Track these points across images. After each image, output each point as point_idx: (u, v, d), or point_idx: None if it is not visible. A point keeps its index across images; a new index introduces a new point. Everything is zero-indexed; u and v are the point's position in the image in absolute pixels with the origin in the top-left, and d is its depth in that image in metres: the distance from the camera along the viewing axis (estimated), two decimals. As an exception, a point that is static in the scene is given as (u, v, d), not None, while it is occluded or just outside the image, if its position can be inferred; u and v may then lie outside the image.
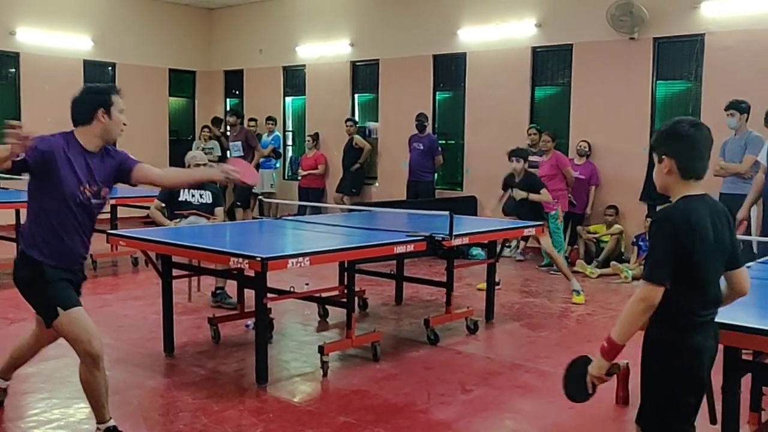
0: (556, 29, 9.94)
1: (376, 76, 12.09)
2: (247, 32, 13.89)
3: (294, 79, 13.46)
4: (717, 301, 2.63)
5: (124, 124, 3.83)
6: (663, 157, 2.63)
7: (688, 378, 2.59)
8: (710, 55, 8.69)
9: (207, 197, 6.97)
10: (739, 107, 7.17)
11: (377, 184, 12.08)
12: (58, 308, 3.51)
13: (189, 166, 6.98)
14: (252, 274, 4.66)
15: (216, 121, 13.51)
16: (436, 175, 10.99)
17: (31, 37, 12.06)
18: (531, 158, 9.43)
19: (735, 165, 7.18)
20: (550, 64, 10.28)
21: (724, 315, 2.81)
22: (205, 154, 12.54)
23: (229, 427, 4.02)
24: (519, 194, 7.35)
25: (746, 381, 3.17)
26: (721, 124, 7.37)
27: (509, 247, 9.55)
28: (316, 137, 12.47)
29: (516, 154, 7.44)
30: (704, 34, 8.72)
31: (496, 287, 7.28)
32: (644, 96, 9.20)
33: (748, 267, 4.06)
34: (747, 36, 8.39)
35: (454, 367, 5.21)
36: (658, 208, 9.02)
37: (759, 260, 4.65)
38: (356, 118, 12.25)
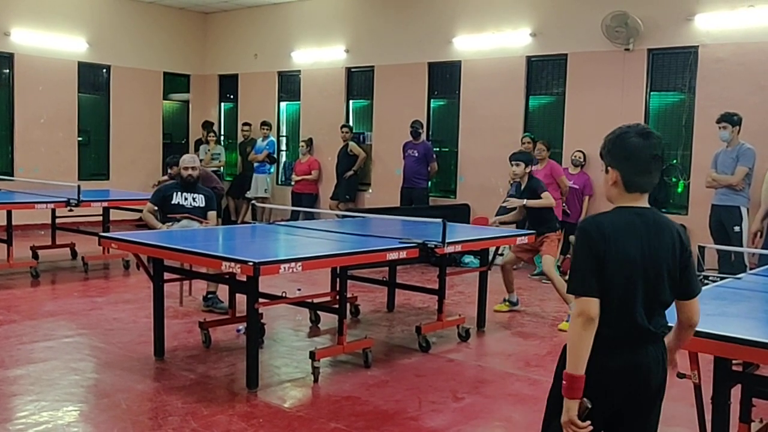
0: (551, 39, 9.98)
1: (371, 83, 12.11)
2: (242, 37, 13.89)
3: (289, 85, 13.47)
4: (636, 325, 2.37)
5: None
6: (608, 168, 2.49)
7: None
8: (704, 67, 8.74)
9: (200, 201, 6.96)
10: (731, 120, 7.21)
11: (371, 191, 12.09)
12: None
13: (182, 170, 6.96)
14: (244, 278, 4.65)
15: (206, 125, 13.52)
16: (430, 182, 11.00)
17: (26, 38, 12.03)
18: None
19: (727, 177, 7.22)
20: (544, 73, 10.31)
21: (716, 326, 2.82)
22: (212, 159, 12.64)
23: (218, 431, 4.01)
24: (515, 202, 6.93)
25: (736, 392, 3.17)
26: (714, 135, 7.42)
27: (502, 255, 9.55)
28: (309, 143, 12.47)
29: (516, 157, 6.95)
30: (698, 46, 8.77)
31: (515, 307, 7.24)
32: (638, 107, 9.23)
33: (738, 278, 4.10)
34: (740, 49, 8.45)
35: (446, 374, 5.21)
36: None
37: (750, 272, 4.67)
38: (351, 124, 12.26)
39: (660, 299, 2.41)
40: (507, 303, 7.29)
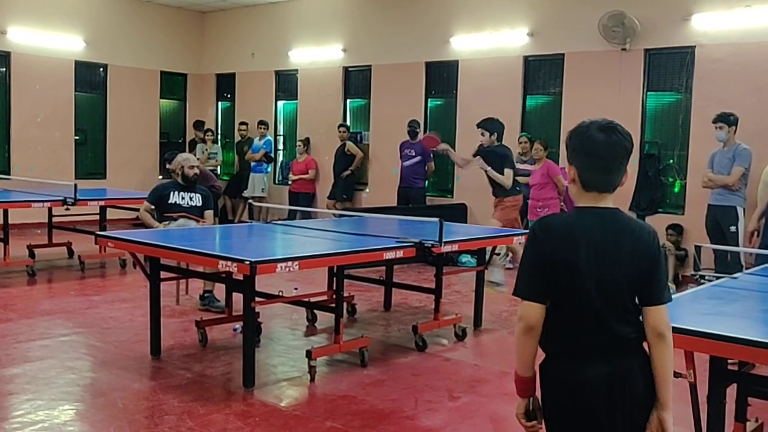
0: (548, 39, 9.99)
1: (368, 82, 12.11)
2: (239, 36, 13.88)
3: (286, 84, 13.46)
4: (601, 333, 2.20)
5: None
6: (568, 163, 2.32)
7: (561, 415, 2.29)
8: (700, 67, 8.75)
9: (197, 200, 6.95)
10: (728, 120, 7.22)
11: (368, 190, 12.09)
12: None
13: (183, 168, 6.95)
14: (240, 277, 4.65)
15: (198, 124, 13.52)
16: (427, 182, 11.00)
17: (23, 37, 12.00)
18: (522, 167, 9.47)
19: (723, 177, 7.23)
20: (541, 73, 10.32)
21: (712, 325, 2.83)
22: (209, 158, 12.65)
23: (214, 430, 4.00)
24: (484, 165, 7.22)
25: (731, 391, 3.18)
26: (711, 135, 7.43)
27: (498, 254, 9.56)
28: (306, 142, 12.47)
29: (482, 125, 7.23)
30: (695, 46, 8.78)
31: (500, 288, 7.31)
32: (635, 107, 9.25)
33: (734, 278, 4.10)
34: (736, 49, 8.46)
35: (442, 373, 5.21)
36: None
37: (746, 271, 4.68)
38: (348, 123, 12.26)
39: (625, 306, 2.22)
40: (494, 284, 7.30)
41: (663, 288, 2.26)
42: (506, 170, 7.13)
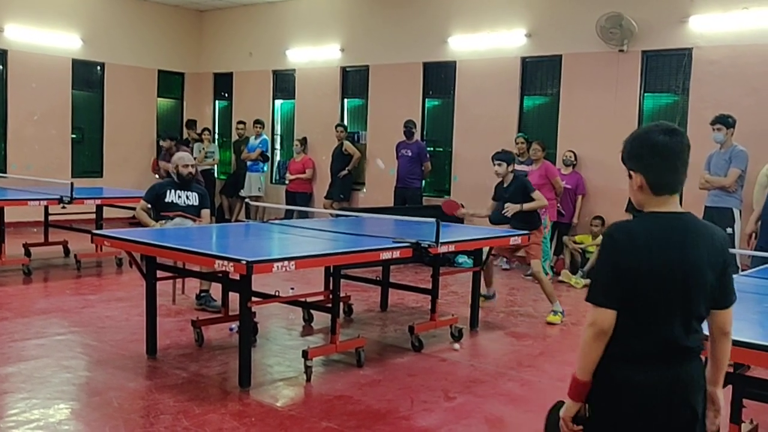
0: (545, 40, 10.00)
1: (365, 82, 12.11)
2: (237, 35, 13.87)
3: (284, 83, 13.45)
4: (671, 341, 2.22)
5: None
6: (631, 171, 2.34)
7: (615, 420, 2.27)
8: (697, 69, 8.77)
9: (194, 199, 6.94)
10: (726, 122, 7.23)
11: (365, 190, 12.09)
12: None
13: (177, 167, 6.95)
14: (237, 277, 4.64)
15: (190, 124, 13.51)
16: (423, 182, 11.01)
17: (20, 35, 11.98)
18: (518, 167, 9.47)
19: (720, 179, 7.24)
20: (539, 74, 10.33)
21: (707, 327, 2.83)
22: (206, 157, 12.63)
23: (210, 430, 4.00)
24: (512, 209, 6.79)
25: (726, 393, 3.18)
26: (707, 137, 7.44)
27: (496, 256, 9.56)
28: (304, 142, 12.47)
29: (499, 157, 6.89)
30: (692, 48, 8.80)
31: (491, 300, 7.27)
32: (632, 108, 9.26)
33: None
34: (733, 51, 8.48)
35: (438, 374, 5.22)
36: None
37: (742, 273, 4.69)
38: (345, 123, 12.25)
39: (698, 312, 2.26)
40: (483, 297, 7.17)
41: (733, 291, 2.35)
42: (535, 193, 6.84)
